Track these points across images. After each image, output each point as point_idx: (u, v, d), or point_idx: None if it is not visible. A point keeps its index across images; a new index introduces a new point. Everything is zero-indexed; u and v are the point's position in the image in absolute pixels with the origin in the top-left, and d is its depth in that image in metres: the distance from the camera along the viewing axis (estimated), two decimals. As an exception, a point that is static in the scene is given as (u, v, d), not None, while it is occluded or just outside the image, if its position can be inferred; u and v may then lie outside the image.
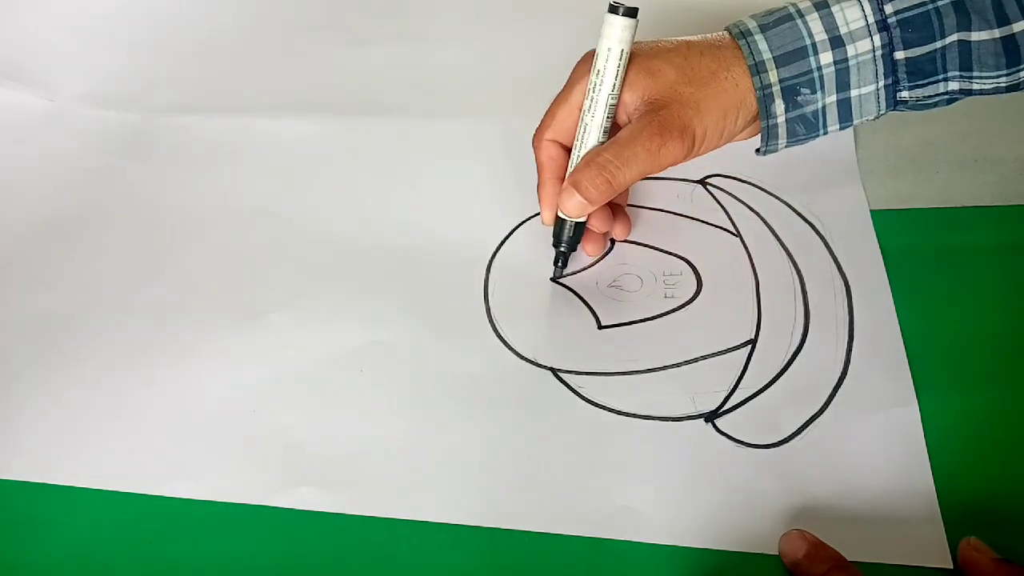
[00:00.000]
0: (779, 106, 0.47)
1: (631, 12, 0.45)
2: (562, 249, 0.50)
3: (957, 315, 0.48)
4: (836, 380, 0.46)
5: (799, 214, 0.53)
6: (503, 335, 0.49)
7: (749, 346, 0.48)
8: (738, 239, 0.53)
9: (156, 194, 0.59)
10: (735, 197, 0.55)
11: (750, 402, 0.45)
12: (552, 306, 0.51)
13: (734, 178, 0.56)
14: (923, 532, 0.40)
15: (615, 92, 0.47)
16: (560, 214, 0.49)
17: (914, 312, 0.48)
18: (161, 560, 0.42)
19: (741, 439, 0.44)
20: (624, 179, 0.46)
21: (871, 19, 0.46)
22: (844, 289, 0.49)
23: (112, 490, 0.45)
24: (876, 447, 0.43)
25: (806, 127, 0.48)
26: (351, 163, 0.60)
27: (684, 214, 0.55)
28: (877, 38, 0.46)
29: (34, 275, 0.55)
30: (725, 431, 0.44)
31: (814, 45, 0.46)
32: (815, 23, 0.46)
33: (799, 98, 0.47)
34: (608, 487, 0.42)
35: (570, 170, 0.48)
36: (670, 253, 0.52)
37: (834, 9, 0.46)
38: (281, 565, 0.42)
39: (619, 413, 0.45)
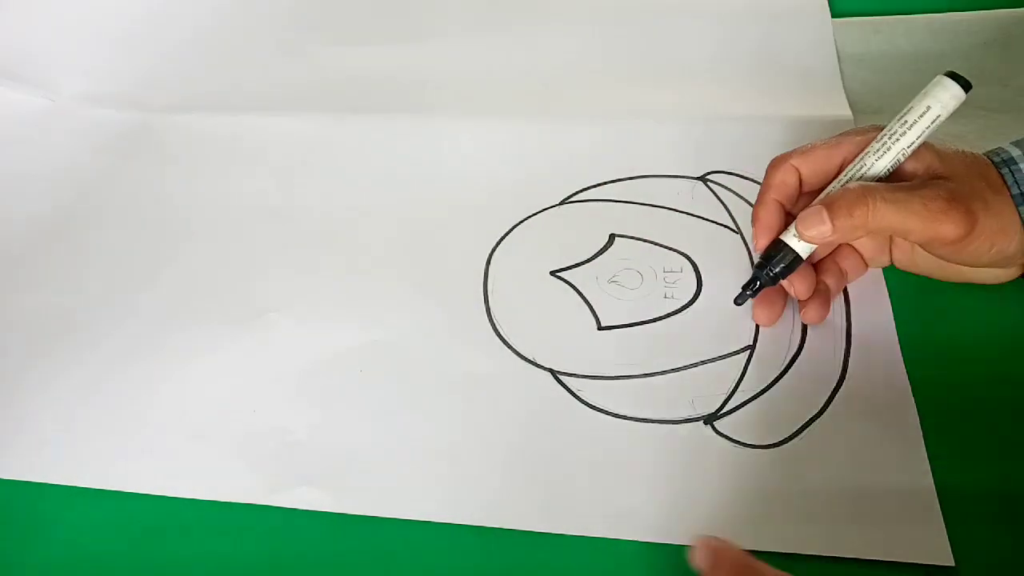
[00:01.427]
0: None
1: (967, 86, 0.42)
2: (769, 275, 0.45)
3: (954, 319, 0.48)
4: (835, 383, 0.46)
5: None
6: (503, 335, 0.49)
7: (748, 351, 0.47)
8: (739, 236, 0.53)
9: (156, 193, 0.59)
10: (736, 194, 0.55)
11: (749, 404, 0.45)
12: (552, 305, 0.51)
13: (735, 174, 0.56)
14: (923, 532, 0.40)
15: (908, 151, 0.43)
16: (789, 238, 0.45)
17: (912, 316, 0.48)
18: (161, 560, 0.42)
19: (740, 440, 0.44)
20: (884, 220, 0.41)
21: None
22: (842, 294, 0.49)
23: (112, 490, 0.45)
24: (875, 447, 0.43)
25: None
26: (351, 162, 0.60)
27: (684, 211, 0.54)
28: None
29: (34, 274, 0.55)
30: (724, 432, 0.44)
31: None
32: None
33: None
34: (608, 488, 0.42)
35: (824, 195, 0.44)
36: (670, 248, 0.52)
37: None
38: (281, 565, 0.42)
39: (618, 416, 0.45)
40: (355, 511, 0.43)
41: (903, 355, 0.46)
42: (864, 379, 0.46)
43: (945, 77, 0.43)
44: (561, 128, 0.60)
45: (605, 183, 0.56)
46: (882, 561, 0.39)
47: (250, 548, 0.42)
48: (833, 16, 0.67)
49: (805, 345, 0.47)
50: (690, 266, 0.51)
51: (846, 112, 0.59)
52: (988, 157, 0.44)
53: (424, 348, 0.49)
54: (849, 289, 0.49)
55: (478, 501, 0.43)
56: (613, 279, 0.51)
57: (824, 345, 0.47)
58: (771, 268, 0.45)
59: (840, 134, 0.46)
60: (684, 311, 0.50)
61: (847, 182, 0.44)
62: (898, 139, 0.43)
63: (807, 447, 0.43)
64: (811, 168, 0.45)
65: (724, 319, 0.49)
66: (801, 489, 0.42)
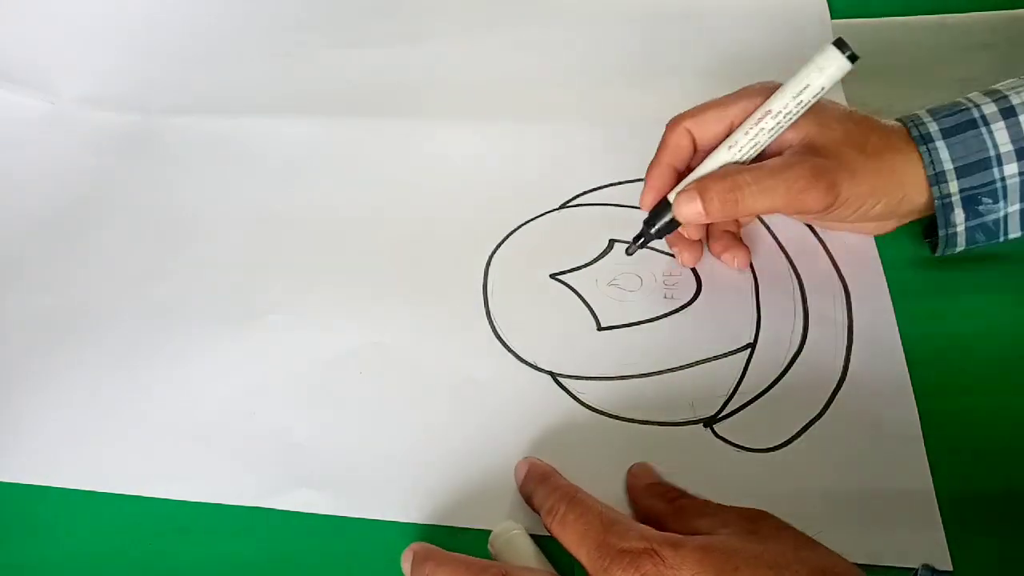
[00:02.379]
0: (959, 215, 0.46)
1: (854, 57, 0.43)
2: (652, 233, 0.49)
3: (956, 318, 0.48)
4: (835, 383, 0.46)
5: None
6: (503, 337, 0.49)
7: (748, 350, 0.47)
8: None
9: (156, 195, 0.59)
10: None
11: (749, 407, 0.45)
12: (552, 307, 0.51)
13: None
14: (922, 533, 0.40)
15: (788, 124, 0.45)
16: (673, 209, 0.47)
17: (913, 315, 0.48)
18: (160, 562, 0.42)
19: (740, 444, 0.44)
20: (752, 206, 0.45)
21: None
22: (843, 292, 0.49)
23: (112, 492, 0.45)
24: (875, 449, 0.43)
25: (986, 235, 0.47)
26: (350, 164, 0.60)
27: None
28: None
29: (34, 276, 0.55)
30: (724, 436, 0.44)
31: (999, 156, 0.45)
32: (1001, 133, 0.45)
33: (980, 207, 0.46)
34: (608, 491, 0.42)
35: (700, 173, 0.47)
36: (670, 253, 0.52)
37: (1021, 119, 0.45)
38: (280, 567, 0.42)
39: (618, 419, 0.45)
40: (354, 513, 0.43)
41: (905, 356, 0.46)
42: (865, 380, 0.46)
43: (835, 49, 0.44)
44: (561, 131, 0.60)
45: (605, 187, 0.56)
46: (879, 565, 0.39)
47: (249, 550, 0.42)
48: (833, 18, 0.67)
49: (806, 344, 0.47)
50: (689, 270, 0.51)
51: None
52: (903, 123, 0.47)
53: (424, 351, 0.49)
54: (850, 288, 0.49)
55: (478, 504, 0.43)
56: (613, 282, 0.51)
57: (825, 344, 0.47)
58: (655, 229, 0.48)
59: (734, 93, 0.48)
60: (684, 310, 0.50)
61: (729, 161, 0.46)
62: (786, 116, 0.45)
63: (806, 450, 0.43)
64: (703, 131, 0.48)
65: (725, 318, 0.49)
66: (799, 492, 0.42)
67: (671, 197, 0.47)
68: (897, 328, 0.48)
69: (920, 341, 0.47)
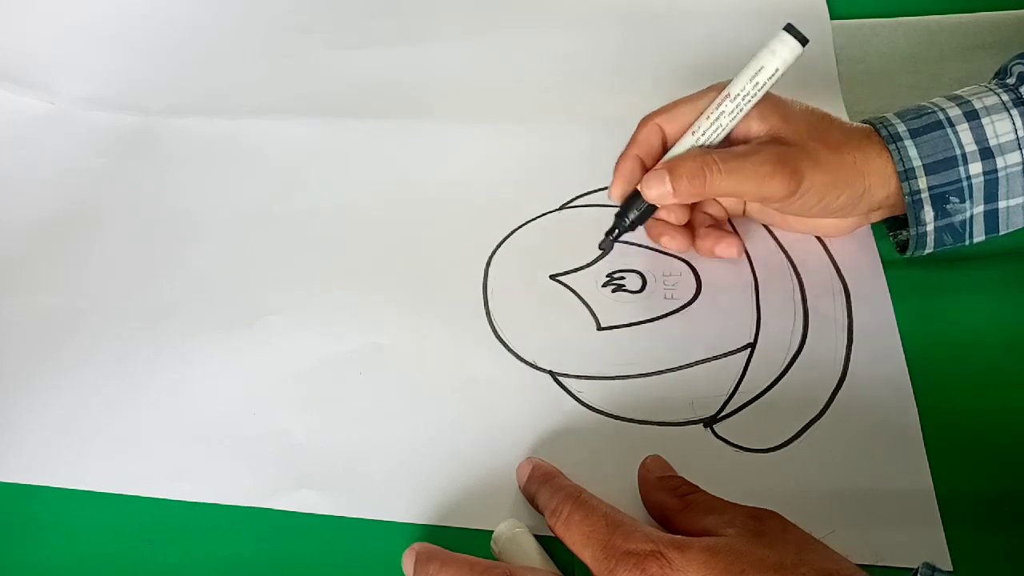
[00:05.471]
0: (928, 214, 0.47)
1: (804, 40, 0.46)
2: (625, 224, 0.50)
3: (955, 318, 0.48)
4: (835, 383, 0.46)
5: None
6: (503, 337, 0.49)
7: (748, 349, 0.48)
8: (737, 238, 0.53)
9: (156, 196, 0.59)
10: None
11: (749, 407, 0.45)
12: (551, 307, 0.51)
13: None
14: (922, 533, 0.40)
15: (748, 107, 0.47)
16: (641, 190, 0.48)
17: (913, 315, 0.48)
18: (160, 563, 0.42)
19: (740, 444, 0.44)
20: (720, 186, 0.46)
21: (1021, 133, 0.46)
22: (843, 292, 0.49)
23: (112, 492, 0.45)
24: (875, 449, 0.43)
25: (953, 236, 0.48)
26: (350, 165, 0.60)
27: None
28: None
29: (34, 277, 0.55)
30: (724, 436, 0.44)
31: (964, 155, 0.47)
32: (965, 134, 0.47)
33: (948, 206, 0.47)
34: (608, 491, 0.42)
35: (668, 158, 0.48)
36: (670, 253, 0.52)
37: (984, 121, 0.47)
38: (280, 568, 0.42)
39: (618, 418, 0.45)
40: (355, 514, 0.43)
41: (905, 356, 0.46)
42: (865, 379, 0.46)
43: (787, 34, 0.46)
44: (561, 132, 0.60)
45: (605, 188, 0.56)
46: (879, 564, 0.39)
47: (250, 551, 0.42)
48: (832, 18, 0.67)
49: (806, 344, 0.47)
50: (689, 270, 0.52)
51: (842, 116, 0.58)
52: (871, 123, 0.49)
53: (424, 351, 0.49)
54: (850, 288, 0.50)
55: (479, 504, 0.43)
56: (613, 283, 0.52)
57: (825, 344, 0.47)
58: (627, 216, 0.50)
59: (703, 90, 0.49)
60: (684, 310, 0.50)
61: (694, 144, 0.48)
62: (747, 99, 0.47)
63: (806, 450, 0.43)
64: (673, 126, 0.49)
65: (725, 318, 0.49)
66: (799, 492, 0.42)
67: (640, 185, 0.48)
68: (897, 328, 0.48)
69: (920, 341, 0.47)
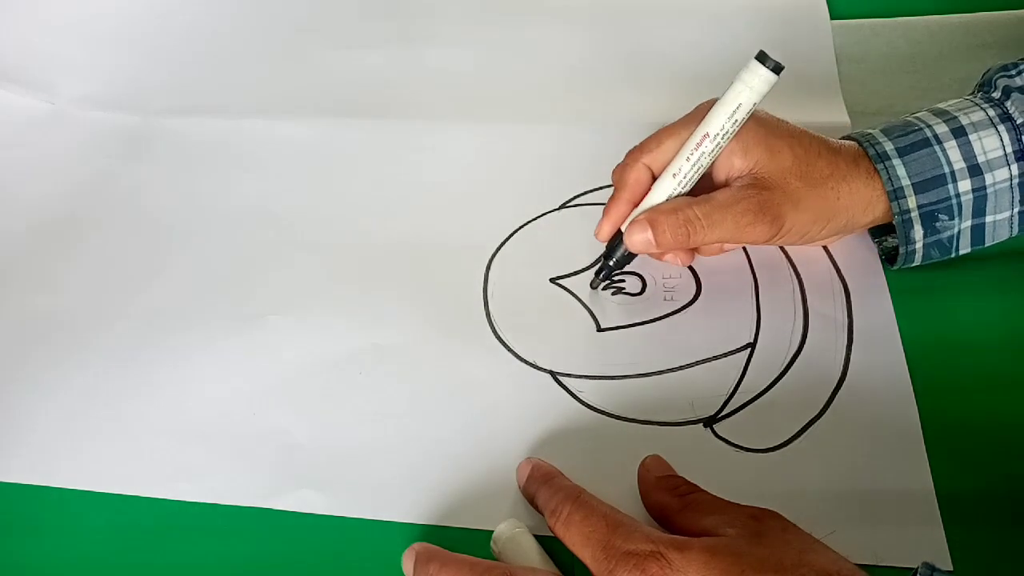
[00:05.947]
0: (918, 232, 0.47)
1: (779, 69, 0.45)
2: (611, 264, 0.50)
3: (955, 318, 0.48)
4: (835, 383, 0.46)
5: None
6: (503, 337, 0.49)
7: (748, 349, 0.48)
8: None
9: (155, 196, 0.59)
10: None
11: (749, 406, 0.45)
12: (552, 308, 0.51)
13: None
14: (922, 533, 0.40)
15: (727, 142, 0.46)
16: (624, 239, 0.48)
17: (913, 315, 0.48)
18: (160, 563, 0.42)
19: (740, 444, 0.44)
20: (701, 239, 0.46)
21: (1009, 149, 0.46)
22: (843, 292, 0.49)
23: (111, 492, 0.45)
24: (875, 449, 0.43)
25: (940, 251, 0.48)
26: (350, 166, 0.60)
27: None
28: (1016, 167, 0.46)
29: (34, 277, 0.55)
30: (724, 436, 0.44)
31: (953, 173, 0.47)
32: (953, 151, 0.47)
33: (937, 224, 0.47)
34: (608, 490, 0.42)
35: (648, 203, 0.48)
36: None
37: (972, 138, 0.46)
38: (280, 568, 0.42)
39: (618, 418, 0.45)
40: (354, 514, 0.43)
41: (905, 356, 0.46)
42: (865, 380, 0.46)
43: (759, 64, 0.45)
44: (560, 132, 0.60)
45: (604, 187, 0.56)
46: (879, 564, 0.39)
47: (250, 551, 0.42)
48: (832, 18, 0.67)
49: (806, 344, 0.47)
50: (689, 272, 0.52)
51: (843, 117, 0.59)
52: (857, 141, 0.48)
53: (424, 350, 0.49)
54: (850, 288, 0.50)
55: (479, 503, 0.43)
56: (613, 284, 0.51)
57: (825, 344, 0.47)
58: (613, 260, 0.49)
59: (687, 116, 0.48)
60: (684, 311, 0.50)
61: (675, 189, 0.47)
62: (726, 137, 0.46)
63: (806, 450, 0.43)
64: (660, 162, 0.48)
65: (724, 319, 0.49)
66: (799, 492, 0.42)
67: (623, 227, 0.48)
68: (897, 328, 0.48)
69: (920, 341, 0.47)
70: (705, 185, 0.48)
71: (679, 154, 0.47)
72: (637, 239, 0.47)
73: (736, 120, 0.45)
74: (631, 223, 0.47)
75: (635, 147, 0.49)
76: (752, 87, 0.45)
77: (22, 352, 0.51)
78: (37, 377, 0.49)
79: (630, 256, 0.49)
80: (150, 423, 0.47)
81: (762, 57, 0.44)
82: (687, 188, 0.47)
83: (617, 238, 0.49)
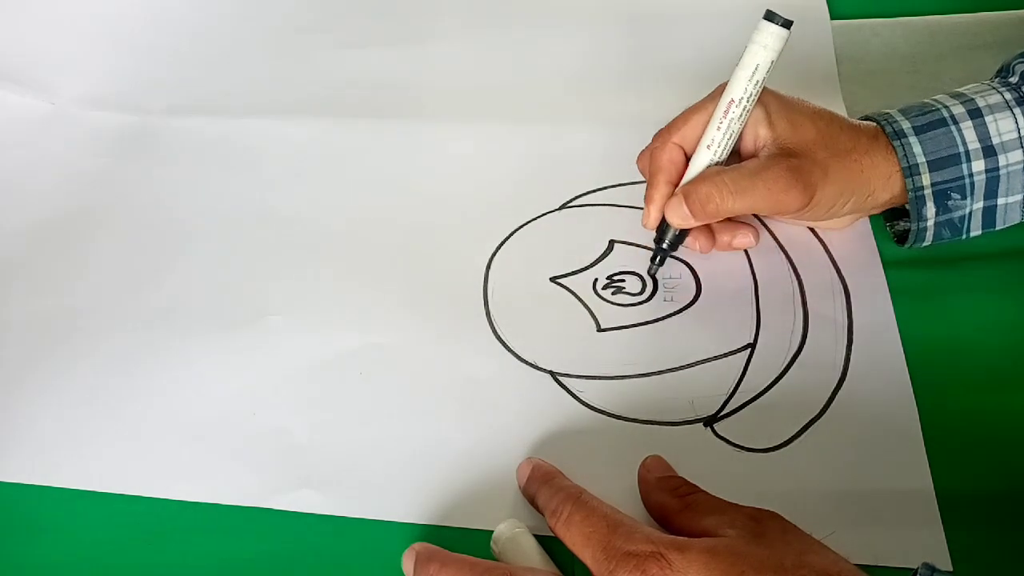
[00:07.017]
0: (930, 209, 0.48)
1: (788, 23, 0.45)
2: (664, 247, 0.50)
3: (955, 318, 0.48)
4: (835, 383, 0.46)
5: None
6: (503, 337, 0.49)
7: (748, 350, 0.48)
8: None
9: (155, 196, 0.59)
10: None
11: (749, 406, 0.45)
12: (552, 308, 0.51)
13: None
14: (922, 533, 0.40)
15: (752, 105, 0.47)
16: (666, 218, 0.49)
17: (913, 315, 0.48)
18: (160, 562, 0.42)
19: (740, 444, 0.44)
20: (733, 207, 0.47)
21: (1023, 131, 0.47)
22: (843, 293, 0.49)
23: (112, 492, 0.45)
24: (875, 449, 0.43)
25: (951, 231, 0.49)
26: (350, 166, 0.60)
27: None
28: None
29: (34, 277, 0.55)
30: (724, 436, 0.44)
31: (967, 153, 0.47)
32: (969, 131, 0.47)
33: (949, 203, 0.48)
34: (608, 490, 0.42)
35: (687, 177, 0.48)
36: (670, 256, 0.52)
37: (987, 119, 0.47)
38: (280, 568, 0.42)
39: (618, 418, 0.46)
40: (355, 514, 0.43)
41: (905, 356, 0.46)
42: (865, 380, 0.46)
43: (770, 23, 0.46)
44: (561, 132, 0.60)
45: (605, 188, 0.56)
46: (879, 564, 0.39)
47: (250, 551, 0.42)
48: (832, 18, 0.67)
49: (806, 344, 0.47)
50: (689, 272, 0.52)
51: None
52: (875, 120, 0.49)
53: (424, 351, 0.49)
54: (850, 288, 0.50)
55: (479, 503, 0.43)
56: (613, 285, 0.52)
57: (825, 344, 0.47)
58: (666, 242, 0.50)
59: (710, 94, 0.49)
60: (684, 312, 0.50)
61: (711, 159, 0.48)
62: (751, 99, 0.47)
63: (806, 450, 0.43)
64: (690, 140, 0.49)
65: (724, 319, 0.49)
66: (799, 492, 0.42)
67: (665, 214, 0.49)
68: (897, 328, 0.48)
69: (920, 341, 0.47)
70: (733, 163, 0.48)
71: (709, 125, 0.48)
72: (675, 215, 0.48)
73: (757, 81, 0.46)
74: (670, 202, 0.48)
75: (662, 129, 0.50)
76: (767, 46, 0.45)
77: (22, 352, 0.51)
78: (37, 377, 0.49)
79: (683, 235, 0.50)
80: (150, 423, 0.47)
81: (770, 16, 0.45)
82: (723, 157, 0.48)
83: (665, 221, 0.49)
